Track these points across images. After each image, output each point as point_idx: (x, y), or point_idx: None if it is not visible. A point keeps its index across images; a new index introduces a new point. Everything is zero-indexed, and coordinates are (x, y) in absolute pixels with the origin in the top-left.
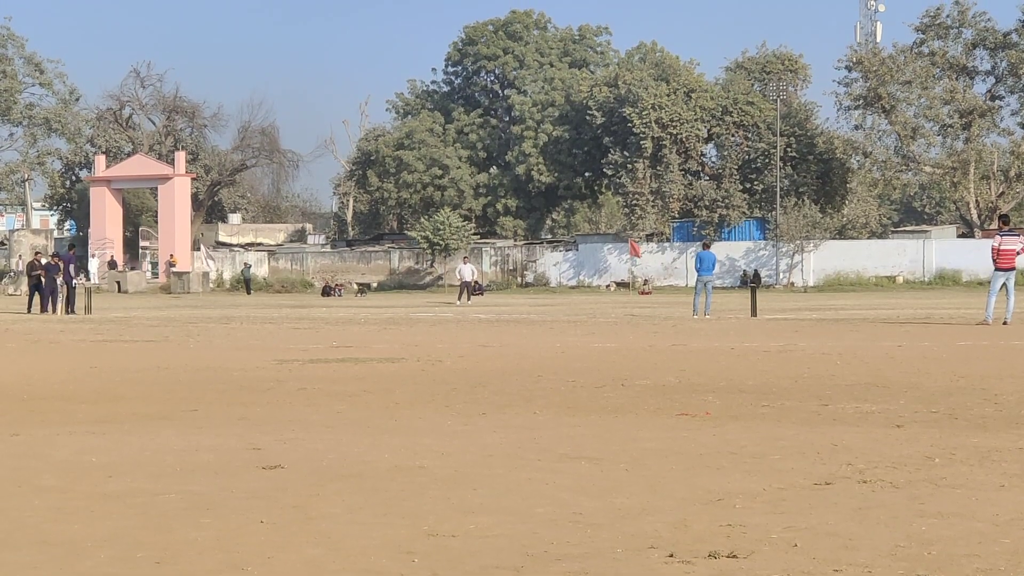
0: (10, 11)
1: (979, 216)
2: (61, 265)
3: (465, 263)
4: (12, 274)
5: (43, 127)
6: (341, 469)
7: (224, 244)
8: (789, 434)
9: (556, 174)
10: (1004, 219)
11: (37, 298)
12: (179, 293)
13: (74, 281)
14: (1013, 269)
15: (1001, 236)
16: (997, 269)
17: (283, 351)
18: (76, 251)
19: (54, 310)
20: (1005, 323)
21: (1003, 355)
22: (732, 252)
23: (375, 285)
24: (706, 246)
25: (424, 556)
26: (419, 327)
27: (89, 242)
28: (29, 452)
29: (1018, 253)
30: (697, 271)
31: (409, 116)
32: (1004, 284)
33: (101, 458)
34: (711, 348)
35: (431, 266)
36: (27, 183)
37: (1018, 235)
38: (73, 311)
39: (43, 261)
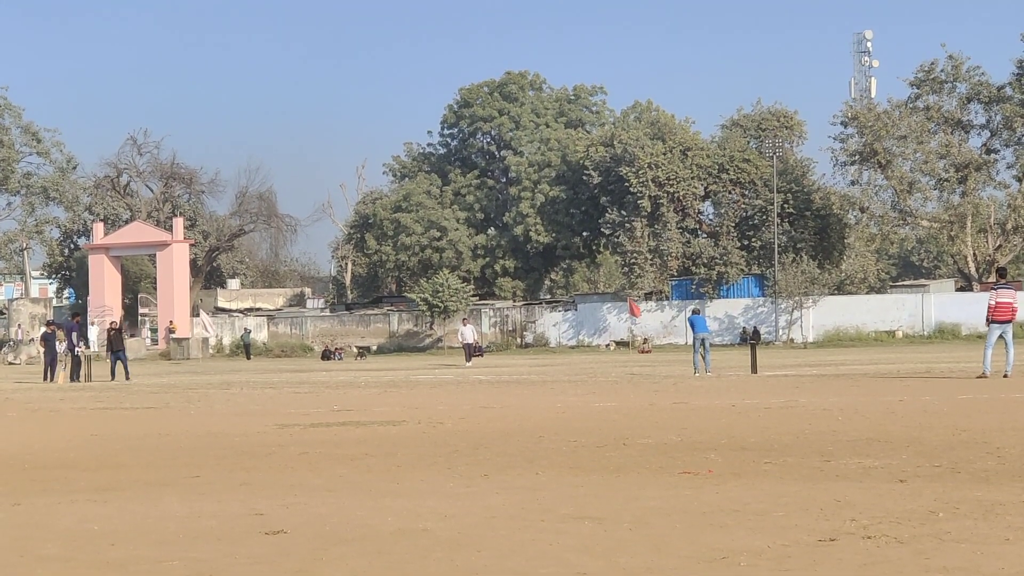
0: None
1: (977, 269)
2: (60, 333)
3: (465, 325)
4: (12, 343)
5: (41, 196)
6: (344, 533)
7: (223, 309)
8: (792, 491)
9: (554, 234)
10: (1001, 272)
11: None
12: (179, 359)
13: (76, 349)
14: (1010, 321)
15: (996, 289)
16: (993, 321)
17: (284, 416)
18: (79, 319)
19: (53, 379)
20: (1005, 376)
21: (1004, 408)
22: (731, 309)
23: (375, 348)
24: (696, 311)
25: None
26: (420, 389)
27: (88, 309)
28: (31, 521)
29: (1015, 307)
30: (697, 330)
31: (406, 179)
32: (1002, 336)
33: (103, 526)
34: (712, 406)
35: (430, 328)
36: (25, 252)
37: (1013, 288)
38: (78, 379)
39: (44, 330)
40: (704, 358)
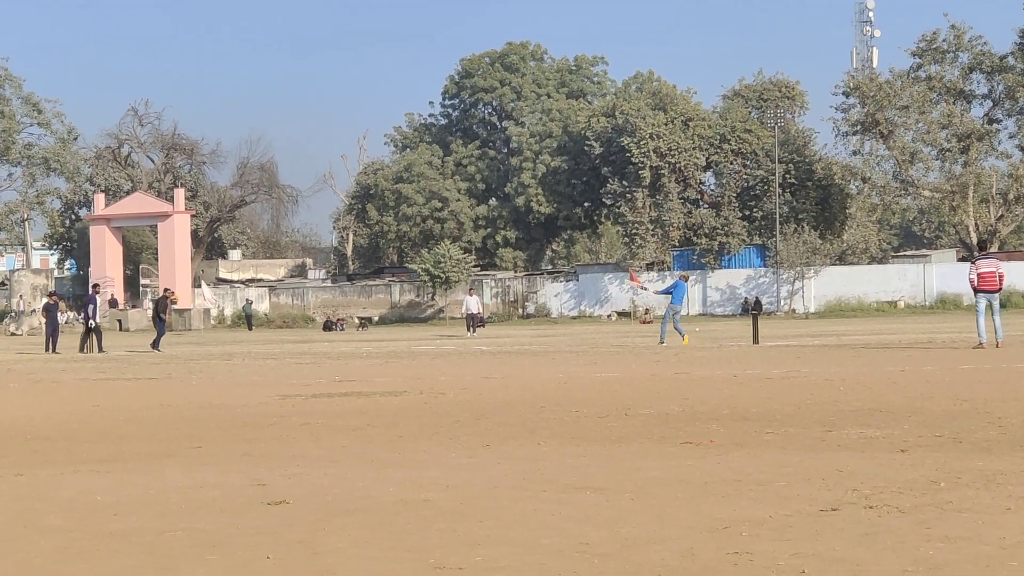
0: (7, 52)
1: (978, 240)
2: (62, 304)
3: (471, 295)
4: (13, 314)
5: (42, 167)
6: (346, 503)
7: (225, 280)
8: (794, 461)
9: (555, 205)
10: (982, 245)
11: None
12: (180, 331)
13: (91, 321)
14: (996, 291)
15: (975, 261)
16: (979, 291)
17: (286, 386)
18: (99, 290)
19: (55, 349)
20: (997, 345)
21: (1006, 378)
22: (732, 280)
23: (376, 319)
24: (684, 278)
25: None
26: (421, 360)
27: (90, 281)
28: (33, 493)
29: (999, 276)
30: (676, 299)
31: (407, 150)
32: (989, 305)
33: (106, 497)
34: (714, 376)
35: (432, 299)
36: (26, 223)
37: (995, 259)
38: (93, 349)
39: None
40: (668, 326)
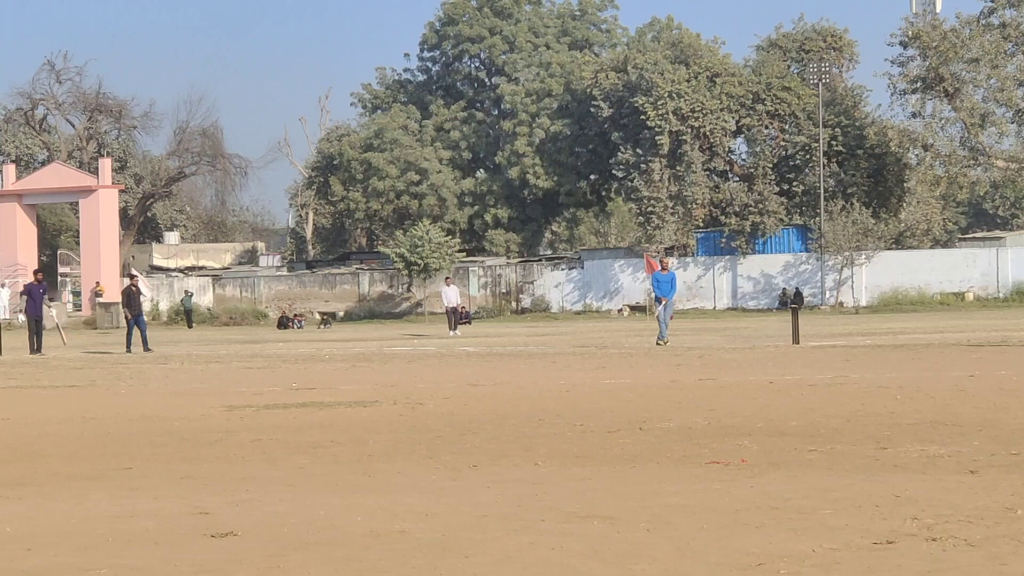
0: None
1: None
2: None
3: (449, 285)
4: None
5: None
6: (306, 535)
7: (160, 268)
8: (842, 484)
9: (556, 178)
10: None
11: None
12: (107, 328)
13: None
14: None
15: None
16: None
17: (233, 395)
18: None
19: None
20: None
21: None
22: (768, 267)
23: (341, 314)
24: (664, 266)
25: None
26: (395, 364)
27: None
28: None
29: None
30: (658, 292)
31: (379, 111)
32: None
33: (17, 527)
34: (746, 383)
35: (408, 290)
36: None
37: None
38: (36, 349)
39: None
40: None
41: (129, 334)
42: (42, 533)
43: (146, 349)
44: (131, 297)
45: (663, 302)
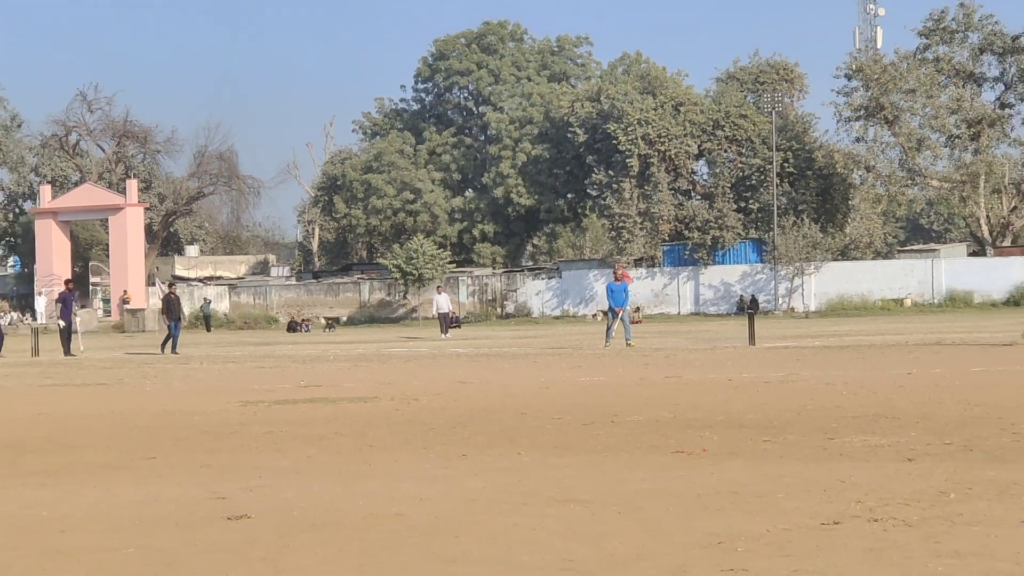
0: None
1: (991, 232)
2: (4, 304)
3: (440, 293)
4: None
5: None
6: (313, 518)
7: (181, 278)
8: (793, 471)
9: (536, 196)
10: None
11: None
12: (134, 332)
13: (59, 321)
14: None
15: None
16: None
17: (247, 392)
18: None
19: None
20: None
21: (1021, 382)
22: (727, 276)
23: (344, 319)
24: (617, 277)
25: None
26: (393, 364)
27: (35, 279)
28: None
29: None
30: (612, 301)
31: (377, 137)
32: None
33: (52, 512)
34: (707, 380)
35: (404, 298)
36: None
37: None
38: (68, 352)
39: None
40: (615, 328)
41: (166, 340)
42: (75, 516)
43: (174, 351)
44: (170, 304)
45: (617, 312)
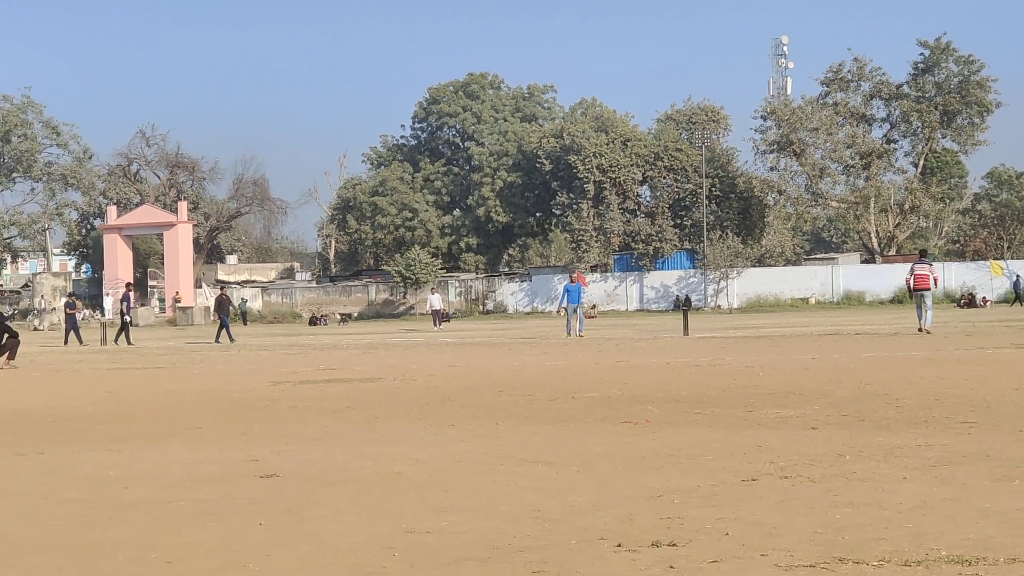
0: (30, 81)
1: (879, 244)
2: (79, 303)
3: (433, 293)
4: (36, 312)
5: (60, 182)
6: (329, 476)
7: (222, 282)
8: (719, 437)
9: (511, 215)
10: (922, 252)
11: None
12: (184, 325)
13: (127, 316)
14: (928, 289)
15: (914, 265)
16: (915, 290)
17: (276, 374)
18: (131, 287)
19: (81, 342)
20: (920, 330)
21: (903, 365)
22: (666, 280)
23: (355, 315)
24: (572, 280)
25: (403, 551)
26: (395, 351)
27: (104, 282)
28: (54, 468)
29: (932, 277)
30: (568, 300)
31: (382, 167)
32: (922, 301)
33: (118, 472)
34: (649, 364)
35: (404, 297)
36: (47, 232)
37: (930, 264)
38: (130, 342)
39: (223, 296)
40: (573, 322)
41: (222, 329)
42: (136, 475)
43: (216, 341)
44: (221, 303)
45: (573, 308)
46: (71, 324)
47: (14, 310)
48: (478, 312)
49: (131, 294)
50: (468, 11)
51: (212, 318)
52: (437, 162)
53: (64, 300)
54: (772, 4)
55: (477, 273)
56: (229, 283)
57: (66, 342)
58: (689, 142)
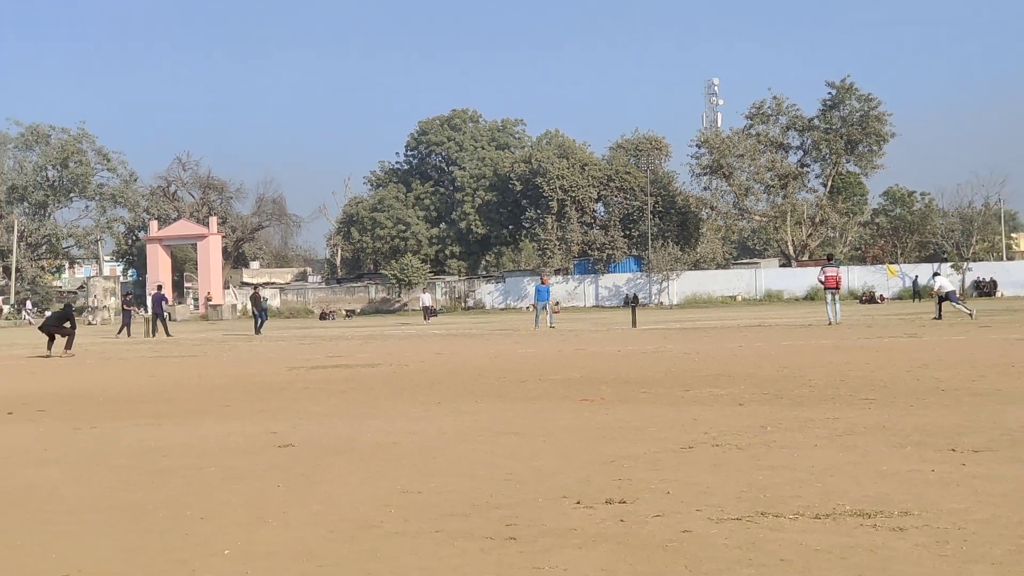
0: (83, 116)
1: (794, 251)
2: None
3: (424, 292)
4: (90, 309)
5: (110, 201)
6: (336, 446)
7: (247, 283)
8: (661, 412)
9: (488, 227)
10: (829, 256)
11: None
12: (214, 320)
13: (166, 313)
14: (836, 289)
15: (824, 268)
16: (825, 289)
17: (292, 361)
18: (162, 290)
19: (129, 334)
20: (831, 323)
21: (815, 351)
22: (617, 281)
23: (358, 311)
24: (543, 281)
25: (398, 508)
26: (391, 341)
27: (147, 285)
28: (104, 439)
29: (839, 279)
30: (538, 299)
31: (380, 187)
32: (834, 298)
33: (158, 443)
34: (604, 351)
35: (399, 296)
36: (99, 242)
37: (837, 267)
38: (168, 334)
39: (260, 294)
40: (546, 318)
41: (258, 321)
42: (173, 446)
43: (257, 332)
44: (256, 300)
45: (543, 305)
46: (157, 310)
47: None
48: (461, 308)
49: (164, 294)
50: (452, 57)
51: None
52: (426, 184)
53: (123, 299)
54: (705, 51)
55: (460, 276)
56: (253, 284)
57: (156, 332)
58: (636, 166)
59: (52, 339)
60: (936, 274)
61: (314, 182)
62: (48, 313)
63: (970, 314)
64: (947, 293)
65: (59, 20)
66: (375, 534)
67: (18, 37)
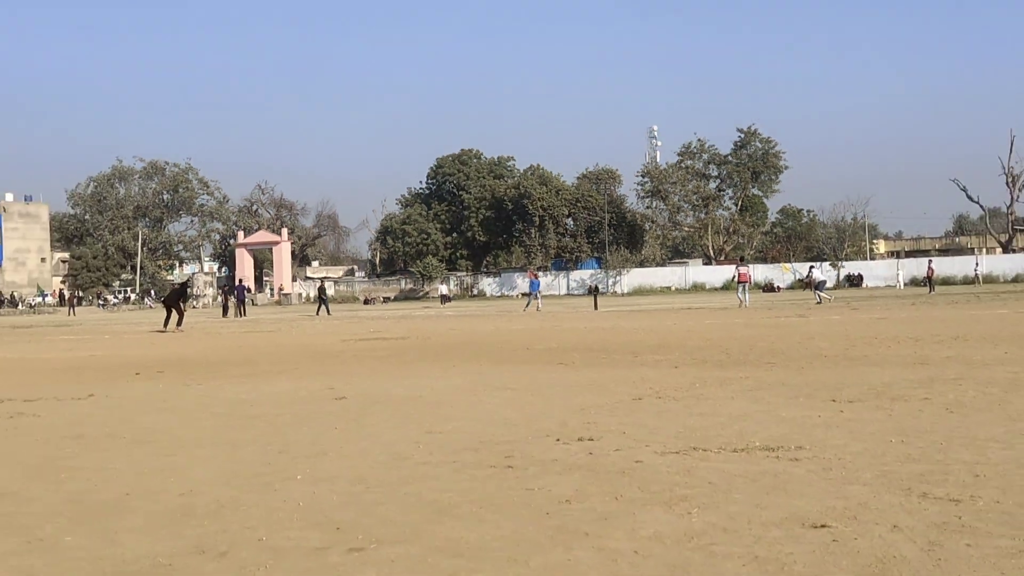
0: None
1: (714, 253)
2: (231, 290)
3: (441, 284)
4: (194, 296)
5: (209, 217)
6: (377, 398)
7: (310, 278)
8: (617, 373)
9: (488, 236)
10: (741, 258)
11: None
12: (285, 306)
13: (248, 300)
14: (746, 282)
15: (738, 267)
16: (738, 283)
17: (343, 335)
18: (243, 282)
19: (230, 316)
20: (741, 305)
21: (730, 328)
22: (583, 276)
23: (392, 298)
24: (534, 275)
25: (425, 444)
26: (416, 320)
27: (236, 279)
28: (207, 394)
29: (749, 275)
30: (532, 288)
31: (408, 207)
32: (743, 289)
33: (246, 396)
34: (574, 327)
35: (423, 287)
36: (201, 247)
37: (747, 266)
38: (243, 314)
39: (323, 285)
40: (533, 303)
41: (319, 308)
42: (257, 398)
43: (328, 314)
44: (322, 290)
45: (534, 294)
46: (239, 298)
47: None
48: (468, 296)
49: (246, 286)
50: (462, 110)
51: (315, 300)
52: (442, 204)
53: (236, 287)
54: (649, 105)
55: (467, 272)
56: (315, 278)
57: (243, 314)
58: (597, 191)
59: (169, 314)
60: (812, 267)
61: (360, 202)
62: (170, 290)
63: (825, 300)
64: (818, 283)
65: (172, 87)
66: (408, 463)
67: (139, 106)
